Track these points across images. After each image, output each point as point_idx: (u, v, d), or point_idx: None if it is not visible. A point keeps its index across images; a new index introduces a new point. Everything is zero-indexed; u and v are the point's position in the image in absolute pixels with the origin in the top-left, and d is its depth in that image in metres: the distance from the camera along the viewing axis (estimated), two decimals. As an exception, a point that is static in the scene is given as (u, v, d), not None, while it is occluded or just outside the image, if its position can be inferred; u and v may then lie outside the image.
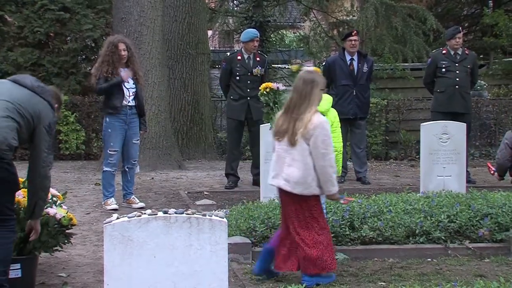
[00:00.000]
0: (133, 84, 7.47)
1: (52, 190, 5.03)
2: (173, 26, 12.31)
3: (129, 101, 7.42)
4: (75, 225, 4.93)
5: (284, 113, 4.93)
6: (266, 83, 7.20)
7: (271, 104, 6.86)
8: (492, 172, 6.11)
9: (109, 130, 7.39)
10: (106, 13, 13.18)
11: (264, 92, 6.99)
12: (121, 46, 7.37)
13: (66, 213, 4.80)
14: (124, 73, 7.32)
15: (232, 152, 9.08)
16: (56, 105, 4.41)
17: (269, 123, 6.80)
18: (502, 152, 5.97)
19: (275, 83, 7.12)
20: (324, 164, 4.75)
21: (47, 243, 4.64)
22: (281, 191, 4.92)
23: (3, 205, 3.95)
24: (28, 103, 4.08)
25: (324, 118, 4.88)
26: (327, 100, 5.77)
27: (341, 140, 5.80)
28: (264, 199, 6.99)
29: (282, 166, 4.91)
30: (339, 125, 5.83)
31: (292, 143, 4.83)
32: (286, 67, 16.79)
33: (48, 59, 12.91)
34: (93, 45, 13.31)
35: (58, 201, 4.96)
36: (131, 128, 7.48)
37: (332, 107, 6.25)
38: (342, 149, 5.77)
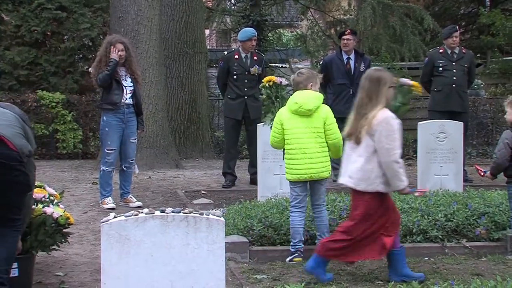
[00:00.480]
0: (131, 82, 7.47)
1: (49, 189, 5.04)
2: (170, 25, 12.30)
3: (126, 99, 7.41)
4: (72, 224, 4.93)
5: (354, 113, 4.95)
6: (270, 76, 7.18)
7: (272, 98, 6.84)
8: (482, 173, 6.11)
9: (107, 129, 7.39)
10: (103, 12, 13.17)
11: (267, 85, 6.97)
12: (119, 46, 7.37)
13: (64, 212, 4.80)
14: (114, 54, 7.28)
15: (230, 151, 9.08)
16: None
17: (266, 118, 6.77)
18: (501, 151, 5.92)
19: (278, 78, 7.10)
20: (389, 159, 4.76)
21: (44, 242, 4.64)
22: (351, 188, 4.94)
23: (14, 206, 4.02)
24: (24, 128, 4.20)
25: (389, 113, 4.84)
26: (317, 97, 5.72)
27: (340, 135, 5.69)
28: (262, 198, 7.00)
29: (348, 164, 4.95)
30: (334, 120, 5.77)
31: (357, 140, 4.85)
32: (283, 66, 16.79)
33: (45, 58, 12.90)
34: (90, 44, 13.30)
35: (55, 200, 4.95)
36: (128, 127, 7.47)
37: (328, 106, 6.23)
38: (341, 142, 5.67)
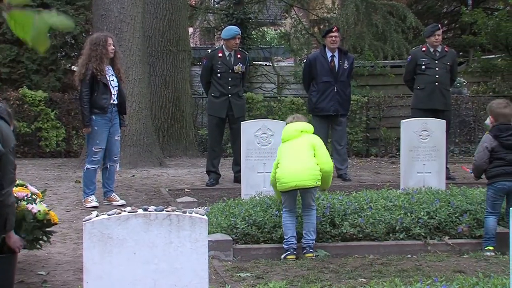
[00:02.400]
0: (116, 82, 7.44)
1: (32, 188, 5.00)
2: (153, 23, 12.26)
3: (114, 100, 7.40)
4: (56, 223, 4.89)
5: None
6: None
7: None
8: (469, 172, 6.21)
9: (96, 128, 7.35)
10: (86, 9, 13.10)
11: None
12: (110, 41, 7.35)
13: (44, 208, 4.76)
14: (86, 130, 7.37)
15: (213, 149, 9.06)
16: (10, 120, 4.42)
17: None
18: (480, 154, 6.04)
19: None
20: None
21: (25, 238, 4.60)
22: None
23: None
24: None
25: None
26: (308, 125, 5.99)
27: (331, 163, 5.99)
28: (245, 196, 7.00)
29: None
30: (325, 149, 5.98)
31: None
32: (267, 64, 16.79)
33: (27, 56, 12.80)
34: (72, 41, 13.23)
35: (38, 199, 4.92)
36: (113, 125, 7.46)
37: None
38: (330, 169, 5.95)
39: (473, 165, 6.13)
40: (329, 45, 9.19)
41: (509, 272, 3.19)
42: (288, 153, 5.82)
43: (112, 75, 7.41)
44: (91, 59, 7.27)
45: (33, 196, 4.89)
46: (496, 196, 5.98)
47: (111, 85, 7.36)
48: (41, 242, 4.86)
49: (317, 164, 5.75)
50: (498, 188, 5.95)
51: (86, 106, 7.28)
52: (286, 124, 6.14)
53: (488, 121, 6.16)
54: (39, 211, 4.68)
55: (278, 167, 5.81)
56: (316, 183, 5.73)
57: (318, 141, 5.89)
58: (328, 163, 5.86)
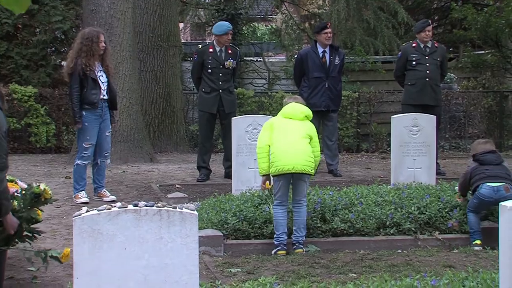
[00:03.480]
0: (106, 77, 7.42)
1: (21, 184, 4.97)
2: (144, 18, 12.21)
3: (104, 95, 7.37)
4: (50, 198, 4.80)
5: None
6: None
7: None
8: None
9: (86, 124, 7.32)
10: (76, 4, 13.04)
11: None
12: (102, 38, 7.33)
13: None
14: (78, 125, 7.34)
15: (204, 145, 9.06)
16: (1, 102, 4.35)
17: None
18: (460, 180, 6.33)
19: None
20: None
21: (22, 216, 4.55)
22: None
23: None
24: None
25: None
26: (309, 111, 5.95)
27: (319, 154, 5.99)
28: (236, 192, 6.99)
29: None
30: (317, 139, 5.97)
31: None
32: (258, 59, 16.78)
33: (16, 51, 12.74)
34: (63, 37, 13.17)
35: (27, 195, 4.89)
36: (104, 121, 7.43)
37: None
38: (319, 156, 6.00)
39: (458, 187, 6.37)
40: (323, 42, 9.18)
41: (498, 266, 3.20)
42: (286, 134, 5.72)
43: (101, 70, 7.39)
44: (81, 54, 7.24)
45: (23, 192, 4.86)
46: (480, 205, 6.05)
47: (100, 80, 7.34)
48: (30, 235, 4.81)
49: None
50: (482, 200, 5.98)
51: (76, 102, 7.26)
52: (285, 102, 6.05)
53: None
54: (37, 186, 4.65)
55: (272, 146, 5.70)
56: (311, 170, 5.71)
57: (314, 131, 5.92)
58: (319, 153, 5.94)
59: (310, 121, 5.97)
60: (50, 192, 4.79)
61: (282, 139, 5.72)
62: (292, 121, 5.82)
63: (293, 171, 5.62)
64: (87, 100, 7.27)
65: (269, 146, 5.75)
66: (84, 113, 7.31)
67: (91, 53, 7.23)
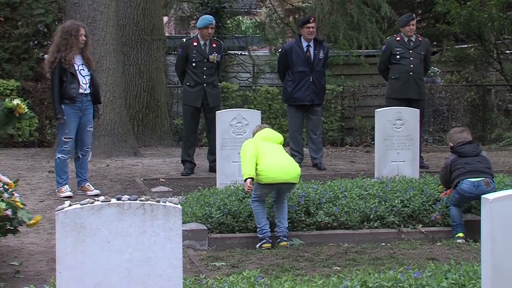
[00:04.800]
0: (88, 71, 7.36)
1: (3, 178, 4.94)
2: (127, 11, 12.14)
3: (85, 89, 7.32)
4: (26, 113, 4.66)
5: None
6: None
7: None
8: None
9: (65, 117, 7.28)
10: (59, -3, 12.93)
11: None
12: (82, 31, 7.27)
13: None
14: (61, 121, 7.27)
15: (188, 138, 9.04)
16: None
17: None
18: (442, 173, 6.39)
19: None
20: None
21: None
22: None
23: None
24: None
25: None
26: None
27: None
28: (220, 186, 6.99)
29: None
30: None
31: None
32: (242, 53, 16.75)
33: (-1, 44, 12.62)
34: (45, 30, 13.05)
35: (10, 189, 4.86)
36: (85, 115, 7.38)
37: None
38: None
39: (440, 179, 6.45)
40: (306, 36, 9.18)
41: (480, 259, 3.23)
42: (271, 150, 5.88)
43: (82, 64, 7.33)
44: (60, 47, 7.19)
45: (5, 186, 4.83)
46: (461, 200, 6.10)
47: (81, 74, 7.28)
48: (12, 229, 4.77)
49: None
50: (463, 195, 6.03)
51: (56, 98, 7.21)
52: (257, 130, 6.16)
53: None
54: (9, 100, 4.54)
55: (260, 162, 5.76)
56: (299, 180, 5.95)
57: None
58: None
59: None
60: (24, 107, 4.67)
61: (268, 153, 5.83)
62: (271, 144, 5.97)
63: (285, 183, 5.74)
64: (66, 95, 7.22)
65: (256, 159, 5.79)
66: (63, 107, 7.25)
67: (70, 47, 7.18)
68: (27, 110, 4.62)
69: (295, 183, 5.90)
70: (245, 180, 5.70)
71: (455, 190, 6.10)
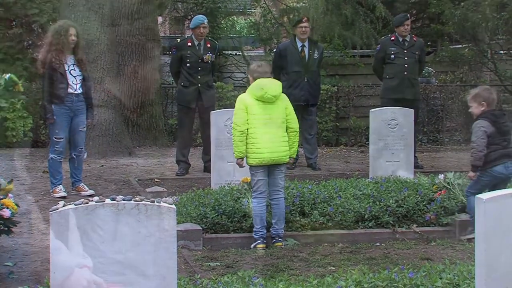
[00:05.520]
0: (80, 71, 7.35)
1: (-3, 179, 4.93)
2: (122, 11, 12.12)
3: (76, 90, 7.29)
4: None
5: None
6: None
7: None
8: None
9: (54, 117, 7.26)
10: (53, -3, 12.90)
11: None
12: (72, 31, 7.25)
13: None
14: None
15: (183, 139, 9.04)
16: None
17: None
18: (480, 141, 5.71)
19: None
20: None
21: None
22: None
23: None
24: None
25: None
26: (279, 85, 5.83)
27: (297, 124, 5.95)
28: (215, 186, 6.99)
29: None
30: (293, 109, 5.93)
31: None
32: (237, 53, 16.74)
33: (-7, 45, 12.59)
34: (39, 30, 13.02)
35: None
36: (77, 116, 7.36)
37: (283, 93, 6.32)
38: (298, 129, 5.95)
39: (473, 154, 5.80)
40: (299, 36, 9.20)
41: (474, 259, 3.24)
42: (264, 123, 5.71)
43: (73, 64, 7.31)
44: (51, 48, 7.18)
45: (0, 187, 4.82)
46: (489, 183, 5.75)
47: (71, 74, 7.26)
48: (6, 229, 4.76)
49: (286, 131, 5.80)
50: (494, 175, 5.76)
51: (47, 98, 7.21)
52: (252, 69, 5.95)
53: (474, 108, 6.00)
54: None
55: (250, 133, 5.67)
56: (289, 159, 5.82)
57: (289, 102, 5.94)
58: (297, 123, 5.95)
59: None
60: (22, 88, 4.71)
61: (260, 128, 5.68)
62: (265, 105, 5.75)
63: (273, 163, 5.66)
64: (55, 95, 7.21)
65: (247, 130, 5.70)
66: (53, 106, 7.24)
67: (60, 47, 7.17)
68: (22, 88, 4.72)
69: (285, 163, 5.82)
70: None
71: (485, 172, 5.76)
